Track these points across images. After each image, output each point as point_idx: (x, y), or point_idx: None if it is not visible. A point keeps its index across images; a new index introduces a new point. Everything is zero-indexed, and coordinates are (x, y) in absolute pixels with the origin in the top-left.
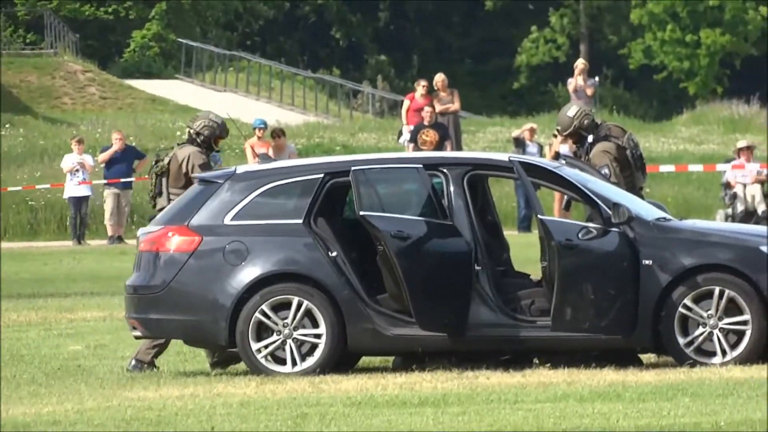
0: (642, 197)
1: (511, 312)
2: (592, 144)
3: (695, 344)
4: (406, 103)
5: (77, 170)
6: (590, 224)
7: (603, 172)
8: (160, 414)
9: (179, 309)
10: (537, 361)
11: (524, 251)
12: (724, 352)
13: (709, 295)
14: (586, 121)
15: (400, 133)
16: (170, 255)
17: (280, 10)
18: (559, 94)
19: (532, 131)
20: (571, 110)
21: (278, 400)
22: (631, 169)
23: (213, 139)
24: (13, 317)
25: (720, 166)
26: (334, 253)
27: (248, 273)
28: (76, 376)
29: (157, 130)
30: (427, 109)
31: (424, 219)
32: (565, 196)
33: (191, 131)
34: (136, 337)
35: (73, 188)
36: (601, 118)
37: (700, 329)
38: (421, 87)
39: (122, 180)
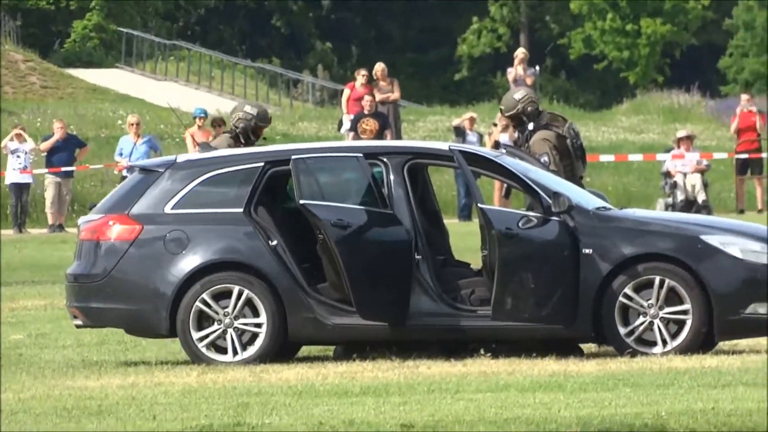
0: (582, 186)
1: (451, 301)
2: (532, 132)
3: (636, 334)
4: (347, 92)
5: (18, 155)
6: (530, 213)
7: (542, 160)
8: (102, 403)
9: (120, 298)
10: (482, 351)
11: (464, 240)
12: (664, 342)
13: (650, 284)
14: (530, 108)
15: (341, 123)
16: (111, 244)
17: None
18: (499, 84)
19: (472, 120)
20: (519, 94)
21: (219, 389)
22: (571, 159)
23: (250, 129)
24: None
25: (660, 156)
26: (275, 242)
27: (189, 262)
28: (18, 365)
29: (98, 119)
30: (367, 98)
31: (364, 208)
32: (505, 184)
33: (232, 123)
34: (77, 326)
35: (15, 176)
36: (542, 107)
37: (641, 319)
38: (361, 76)
39: (63, 168)
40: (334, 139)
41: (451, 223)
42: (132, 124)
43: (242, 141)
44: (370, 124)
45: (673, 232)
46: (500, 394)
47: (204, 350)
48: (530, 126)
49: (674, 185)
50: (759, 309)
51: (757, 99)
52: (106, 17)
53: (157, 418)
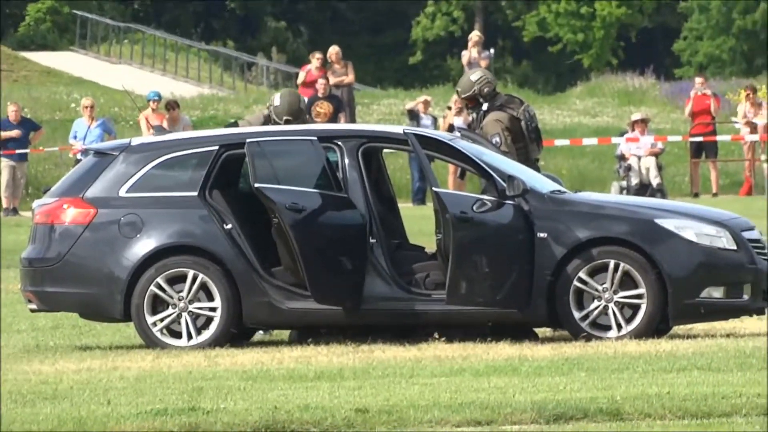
0: (538, 169)
1: (406, 285)
2: (486, 113)
3: (590, 318)
4: (302, 75)
5: None
6: (485, 197)
7: (494, 141)
8: (57, 388)
9: (74, 282)
10: (437, 336)
11: (419, 224)
12: (619, 326)
13: (604, 268)
14: (486, 89)
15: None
16: (65, 227)
17: None
18: (453, 67)
19: (426, 104)
20: (475, 75)
21: (174, 373)
22: (525, 141)
23: (271, 119)
24: None
25: (615, 140)
26: (229, 226)
27: (143, 246)
28: None
29: (52, 102)
30: (321, 81)
31: (319, 191)
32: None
33: None
34: (32, 311)
35: None
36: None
37: (596, 303)
38: (315, 59)
39: (18, 152)
40: None
41: (405, 206)
42: (86, 107)
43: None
44: (324, 107)
45: (628, 215)
46: (455, 379)
47: (158, 334)
48: (484, 107)
49: (628, 168)
50: (714, 293)
51: (712, 82)
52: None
53: (111, 403)
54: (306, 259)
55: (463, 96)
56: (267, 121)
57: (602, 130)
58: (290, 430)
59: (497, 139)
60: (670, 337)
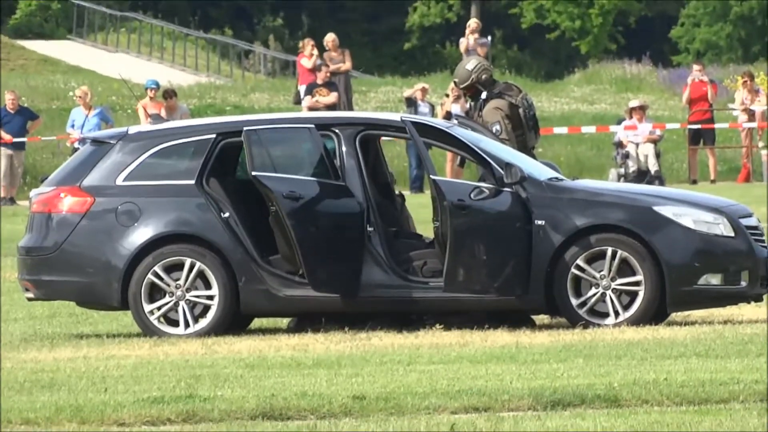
0: (534, 157)
1: (403, 273)
2: (486, 101)
3: (588, 305)
4: (306, 61)
5: None
6: (482, 184)
7: (494, 129)
8: (54, 376)
9: (72, 270)
10: (437, 326)
11: (416, 212)
12: (617, 313)
13: (602, 255)
14: (484, 76)
15: (297, 95)
16: (62, 216)
17: None
18: (450, 54)
19: (424, 91)
20: (470, 63)
21: (171, 361)
22: (523, 128)
23: None
24: None
25: (613, 128)
26: (227, 214)
27: (140, 234)
28: None
29: (50, 91)
30: (321, 68)
31: (317, 179)
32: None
33: None
34: (29, 299)
35: None
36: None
37: (593, 290)
38: (309, 46)
39: (15, 140)
40: (287, 111)
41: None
42: (79, 97)
43: None
44: (323, 93)
45: (626, 203)
46: (452, 366)
47: (156, 323)
48: (483, 95)
49: (626, 155)
50: (711, 280)
51: (709, 69)
52: None
53: (108, 391)
54: (303, 246)
55: (461, 86)
56: None
57: (600, 117)
58: (287, 417)
59: (497, 127)
60: (668, 324)
